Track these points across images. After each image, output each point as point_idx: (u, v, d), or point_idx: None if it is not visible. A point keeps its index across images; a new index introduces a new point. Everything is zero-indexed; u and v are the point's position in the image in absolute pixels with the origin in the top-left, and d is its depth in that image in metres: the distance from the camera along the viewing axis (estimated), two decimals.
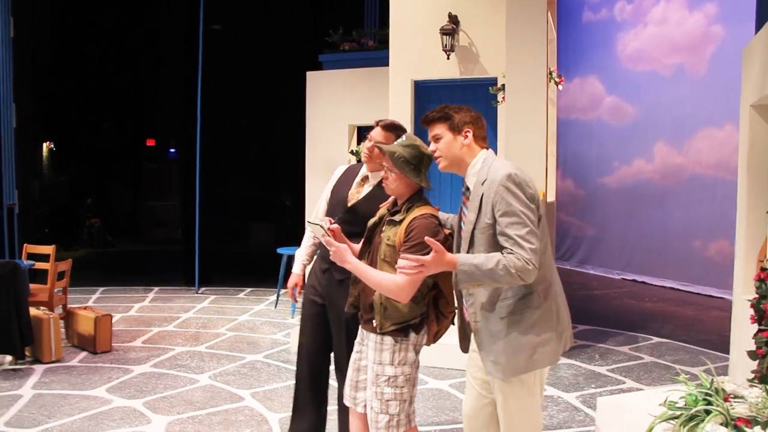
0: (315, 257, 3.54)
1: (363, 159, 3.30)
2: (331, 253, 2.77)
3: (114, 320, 6.11)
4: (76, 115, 13.70)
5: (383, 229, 2.87)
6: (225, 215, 13.08)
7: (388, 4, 7.22)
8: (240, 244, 13.88)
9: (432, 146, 2.68)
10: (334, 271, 3.29)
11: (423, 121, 2.72)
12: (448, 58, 6.85)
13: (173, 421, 4.19)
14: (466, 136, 2.61)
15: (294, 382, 3.52)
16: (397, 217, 2.80)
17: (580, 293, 8.88)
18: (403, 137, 2.82)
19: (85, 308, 6.05)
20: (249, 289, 9.01)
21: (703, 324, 7.18)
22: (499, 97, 6.41)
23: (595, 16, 10.91)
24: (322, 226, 2.75)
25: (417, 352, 2.87)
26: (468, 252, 2.55)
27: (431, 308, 2.87)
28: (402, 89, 7.14)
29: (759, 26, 4.44)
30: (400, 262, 2.47)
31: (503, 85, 6.25)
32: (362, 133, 8.69)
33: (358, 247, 2.97)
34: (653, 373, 5.33)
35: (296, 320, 7.18)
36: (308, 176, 8.75)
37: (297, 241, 8.49)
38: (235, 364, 5.51)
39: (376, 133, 3.24)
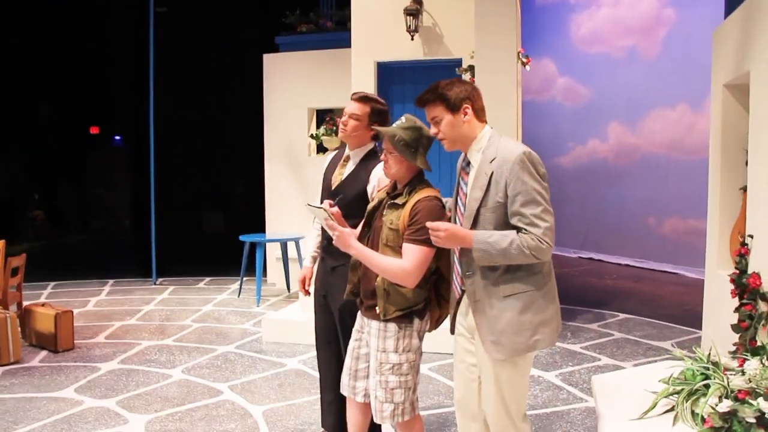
0: None
1: (339, 134, 3.19)
2: (334, 238, 2.67)
3: None
4: (13, 101, 12.99)
5: (384, 212, 2.78)
6: (175, 203, 12.69)
7: None
8: (192, 233, 13.52)
9: (433, 129, 2.61)
10: (328, 259, 3.19)
11: (417, 103, 2.64)
12: (412, 39, 6.76)
13: (152, 420, 4.01)
14: (466, 113, 2.56)
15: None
16: (399, 200, 2.71)
17: None
18: (403, 119, 2.73)
19: (42, 305, 5.75)
20: (208, 279, 8.78)
21: (662, 299, 7.37)
22: (466, 78, 6.36)
23: None
24: (325, 209, 2.64)
25: (421, 339, 2.82)
26: (471, 230, 2.50)
27: (432, 293, 2.81)
28: (365, 71, 7.01)
29: (728, 8, 4.52)
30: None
31: (470, 66, 6.21)
32: (321, 116, 8.53)
33: (356, 231, 2.88)
34: (625, 349, 5.43)
35: (262, 309, 7.03)
36: (267, 161, 8.55)
37: (256, 229, 8.36)
38: (207, 356, 5.34)
39: (351, 106, 3.14)
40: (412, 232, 2.61)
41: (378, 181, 3.05)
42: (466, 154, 2.63)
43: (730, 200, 4.39)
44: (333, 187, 3.18)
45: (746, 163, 4.30)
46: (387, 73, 7.08)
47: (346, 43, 7.44)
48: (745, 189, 4.30)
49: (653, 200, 9.21)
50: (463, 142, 2.59)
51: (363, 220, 2.87)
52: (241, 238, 7.61)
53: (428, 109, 2.60)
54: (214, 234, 13.53)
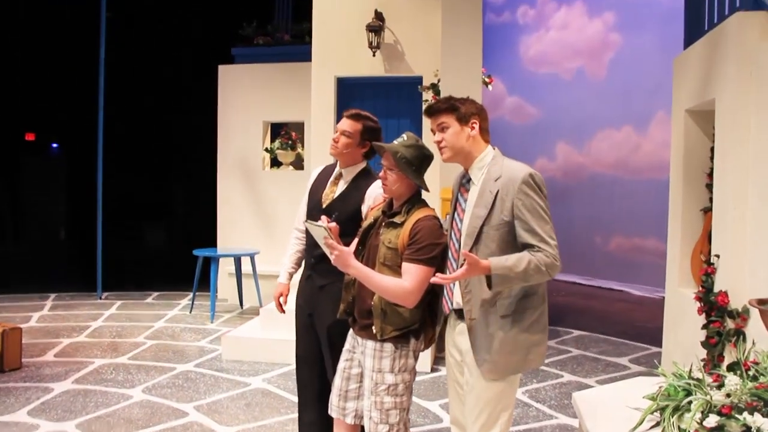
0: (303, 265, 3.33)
1: (330, 151, 3.14)
2: (332, 258, 2.62)
3: None
4: None
5: (380, 231, 2.75)
6: (117, 215, 12.21)
7: None
8: (136, 246, 13.06)
9: (437, 136, 2.60)
10: (316, 278, 3.11)
11: (427, 112, 2.64)
12: (373, 56, 6.78)
13: None
14: (473, 128, 2.57)
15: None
16: (397, 219, 2.70)
17: None
18: (404, 136, 2.72)
19: None
20: (156, 294, 8.49)
21: (613, 316, 7.59)
22: (427, 96, 6.41)
23: (498, 18, 11.25)
24: (325, 228, 2.59)
25: (416, 359, 2.79)
26: (472, 248, 2.50)
27: (426, 312, 2.80)
28: (325, 86, 6.98)
29: (688, 38, 4.72)
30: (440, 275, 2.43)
31: (432, 84, 6.27)
32: (277, 130, 8.44)
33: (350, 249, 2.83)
34: (585, 366, 5.55)
35: (216, 326, 6.85)
36: (220, 174, 8.38)
37: (204, 242, 8.14)
38: (167, 375, 5.15)
39: (343, 123, 3.11)
40: (412, 252, 2.60)
41: (373, 200, 3.02)
42: (466, 171, 2.64)
43: (691, 221, 4.57)
44: (324, 205, 3.12)
45: (706, 186, 4.51)
46: (347, 88, 7.06)
47: (302, 56, 7.38)
48: (705, 210, 4.50)
49: (599, 219, 9.51)
50: (465, 156, 2.59)
51: (357, 239, 2.83)
52: (195, 252, 7.41)
53: (437, 118, 2.59)
54: (159, 247, 13.12)
